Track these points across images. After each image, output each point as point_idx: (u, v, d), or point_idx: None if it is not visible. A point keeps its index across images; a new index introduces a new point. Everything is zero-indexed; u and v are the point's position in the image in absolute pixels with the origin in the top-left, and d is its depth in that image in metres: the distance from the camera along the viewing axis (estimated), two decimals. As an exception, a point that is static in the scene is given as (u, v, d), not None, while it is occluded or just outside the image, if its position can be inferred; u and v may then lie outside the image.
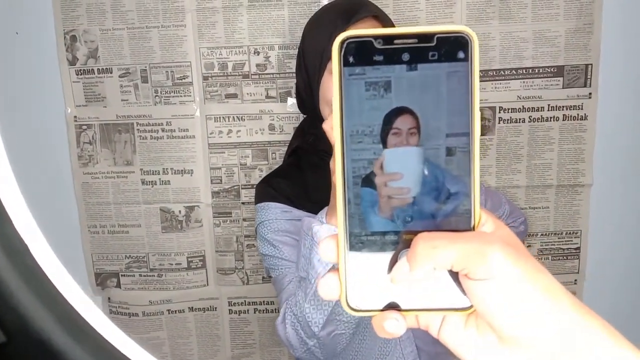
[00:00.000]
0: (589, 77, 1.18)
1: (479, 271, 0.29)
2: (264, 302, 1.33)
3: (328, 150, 0.69)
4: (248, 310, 1.34)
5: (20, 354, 0.23)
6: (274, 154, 1.24)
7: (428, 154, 0.31)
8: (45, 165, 1.26)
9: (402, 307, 0.32)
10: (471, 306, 0.31)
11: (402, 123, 0.32)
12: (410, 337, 0.98)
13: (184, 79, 1.20)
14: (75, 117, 1.24)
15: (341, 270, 0.32)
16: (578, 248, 1.27)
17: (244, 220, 1.28)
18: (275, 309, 1.33)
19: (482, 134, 1.21)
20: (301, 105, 1.05)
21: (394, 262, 0.31)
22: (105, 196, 1.27)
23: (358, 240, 0.32)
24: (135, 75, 1.20)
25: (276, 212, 0.96)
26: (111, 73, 1.21)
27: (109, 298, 1.34)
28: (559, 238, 1.28)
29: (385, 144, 0.31)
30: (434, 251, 0.30)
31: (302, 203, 0.96)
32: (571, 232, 1.26)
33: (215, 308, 1.34)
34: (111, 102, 1.22)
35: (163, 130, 1.23)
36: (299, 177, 1.00)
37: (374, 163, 0.32)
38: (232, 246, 1.30)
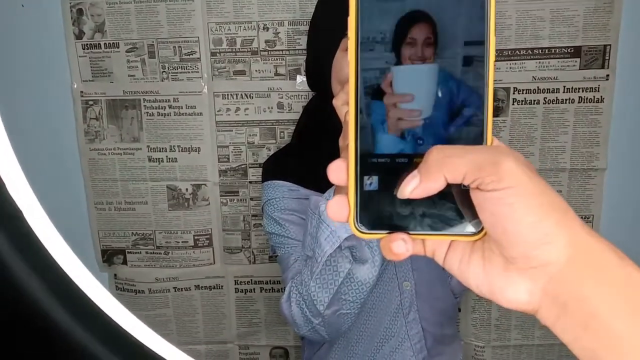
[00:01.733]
0: (607, 58, 1.15)
1: (492, 181, 0.28)
2: (270, 281, 1.33)
3: (337, 128, 0.67)
4: (254, 289, 1.34)
5: (14, 328, 0.22)
6: (282, 133, 1.22)
7: (444, 64, 0.30)
8: (51, 140, 1.25)
9: (411, 231, 0.31)
10: (480, 231, 0.31)
11: (418, 32, 0.30)
12: (416, 318, 0.97)
13: (192, 54, 1.18)
14: (81, 92, 1.22)
15: (350, 192, 0.31)
16: (589, 233, 1.25)
17: (251, 199, 1.27)
18: (281, 289, 1.32)
19: (495, 115, 1.19)
20: (311, 82, 1.03)
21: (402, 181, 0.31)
22: (111, 173, 1.26)
23: (368, 162, 0.31)
24: (142, 50, 1.18)
25: (283, 191, 0.95)
26: (118, 48, 1.19)
27: (115, 275, 1.34)
28: (570, 223, 1.26)
29: (399, 55, 0.30)
30: (447, 160, 0.29)
31: (309, 182, 0.95)
32: (583, 217, 1.23)
33: (222, 286, 1.34)
34: (118, 78, 1.21)
35: (170, 106, 1.21)
36: (307, 155, 0.99)
37: (385, 75, 0.30)
38: (239, 225, 1.29)
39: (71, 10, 1.17)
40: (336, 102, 0.71)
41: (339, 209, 0.32)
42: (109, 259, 1.33)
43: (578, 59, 1.15)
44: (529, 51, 1.15)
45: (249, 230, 1.29)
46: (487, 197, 0.29)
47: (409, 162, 0.31)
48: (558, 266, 0.29)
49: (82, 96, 1.23)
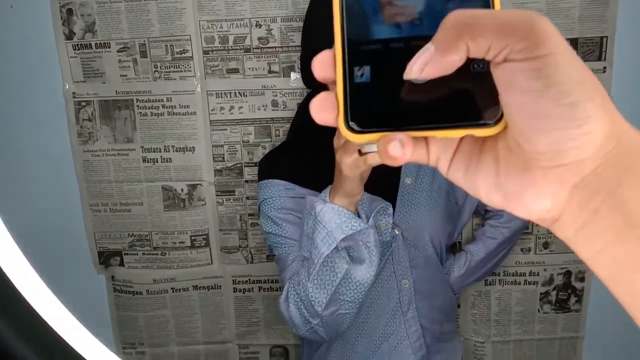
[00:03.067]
0: (603, 50, 1.13)
1: (525, 47, 0.23)
2: (268, 280, 1.32)
3: (332, 127, 0.66)
4: (252, 289, 1.33)
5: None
6: (277, 131, 1.21)
7: None
8: (45, 143, 1.24)
9: (412, 128, 0.26)
10: (498, 120, 0.26)
11: None
12: (415, 316, 0.97)
13: (184, 53, 1.17)
14: (73, 93, 1.21)
15: (339, 86, 0.27)
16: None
17: (247, 198, 1.26)
18: (279, 287, 1.32)
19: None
20: (306, 78, 1.01)
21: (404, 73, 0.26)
22: (106, 174, 1.25)
23: (358, 50, 0.27)
24: (133, 50, 1.17)
25: (279, 190, 0.94)
26: (109, 48, 1.17)
27: (112, 276, 1.33)
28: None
29: None
30: (470, 23, 0.23)
31: (305, 180, 0.94)
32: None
33: (220, 286, 1.33)
34: (110, 78, 1.19)
35: (163, 106, 1.20)
36: (303, 154, 0.98)
37: None
38: (236, 225, 1.28)
39: (61, 10, 1.16)
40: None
41: (325, 107, 0.27)
42: (105, 260, 1.32)
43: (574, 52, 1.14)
44: (525, 44, 1.14)
45: (246, 229, 1.28)
46: (517, 70, 0.23)
47: (406, 47, 0.26)
48: (594, 163, 0.24)
49: (74, 97, 1.21)
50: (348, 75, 0.27)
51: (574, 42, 1.13)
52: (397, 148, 0.26)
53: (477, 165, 0.27)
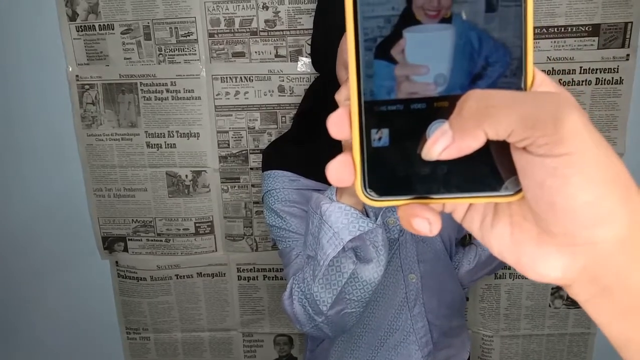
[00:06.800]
0: (627, 37, 1.08)
1: (547, 143, 0.22)
2: (272, 269, 1.30)
3: None
4: (257, 277, 1.31)
5: None
6: (283, 118, 1.18)
7: (466, 15, 0.24)
8: (48, 126, 1.22)
9: (433, 195, 0.26)
10: (517, 192, 0.25)
11: None
12: (422, 312, 0.94)
13: (189, 36, 1.13)
14: (77, 76, 1.18)
15: (355, 150, 0.26)
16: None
17: (253, 186, 1.23)
18: (284, 277, 1.30)
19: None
20: (316, 61, 0.97)
21: (424, 137, 0.25)
22: (110, 159, 1.23)
23: (375, 111, 0.25)
24: (137, 32, 1.14)
25: (283, 181, 0.91)
26: (113, 29, 1.14)
27: (116, 262, 1.32)
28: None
29: (410, 5, 0.24)
30: (489, 111, 0.22)
31: (310, 171, 0.91)
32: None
33: (224, 274, 1.32)
34: (114, 61, 1.16)
35: (168, 90, 1.17)
36: (308, 143, 0.94)
37: (391, 23, 0.25)
38: (241, 212, 1.26)
39: (63, -10, 1.12)
40: (338, 97, 0.65)
41: (342, 171, 0.26)
42: (109, 246, 1.31)
43: (596, 38, 1.08)
44: (544, 30, 1.08)
45: (251, 217, 1.26)
46: (535, 163, 0.23)
47: (428, 108, 0.25)
48: (608, 248, 0.23)
49: (77, 80, 1.18)
50: (365, 138, 0.26)
51: (596, 28, 1.07)
52: (424, 225, 0.26)
53: (491, 224, 0.27)
